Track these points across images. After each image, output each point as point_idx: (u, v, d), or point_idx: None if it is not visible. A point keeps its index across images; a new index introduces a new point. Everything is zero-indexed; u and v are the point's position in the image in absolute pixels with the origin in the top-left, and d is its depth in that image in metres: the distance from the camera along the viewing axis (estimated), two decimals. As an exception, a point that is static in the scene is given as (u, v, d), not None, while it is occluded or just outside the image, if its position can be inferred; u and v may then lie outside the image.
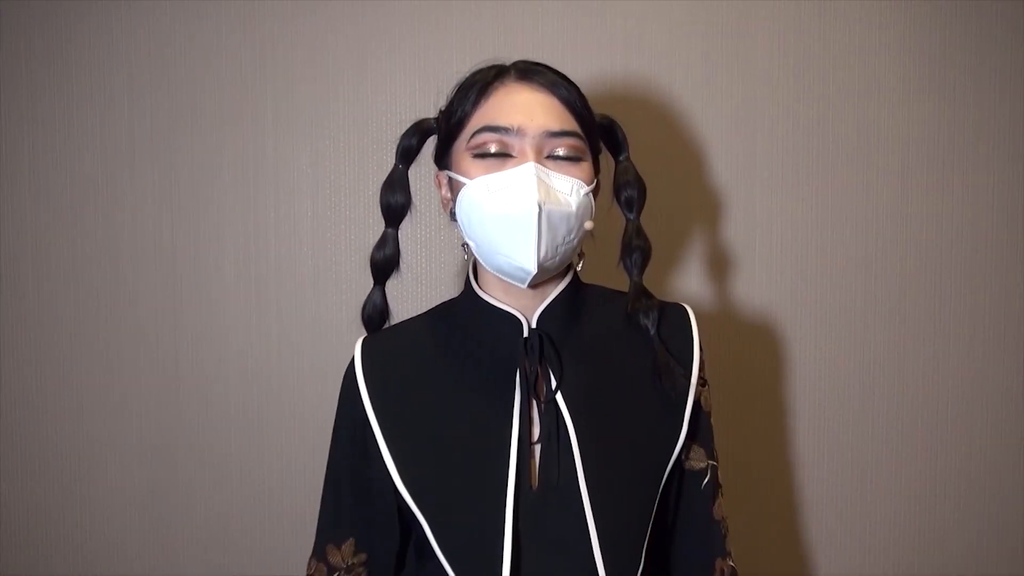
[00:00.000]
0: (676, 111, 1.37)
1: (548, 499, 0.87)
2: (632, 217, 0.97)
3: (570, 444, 0.88)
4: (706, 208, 1.38)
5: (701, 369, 0.96)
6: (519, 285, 0.89)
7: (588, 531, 0.85)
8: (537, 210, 0.82)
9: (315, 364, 1.37)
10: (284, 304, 1.38)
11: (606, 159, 0.98)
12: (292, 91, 1.36)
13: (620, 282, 1.01)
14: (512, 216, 0.84)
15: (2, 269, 1.37)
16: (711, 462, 0.97)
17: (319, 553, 0.96)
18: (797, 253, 1.39)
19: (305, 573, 0.98)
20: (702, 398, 0.97)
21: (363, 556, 0.95)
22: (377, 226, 1.35)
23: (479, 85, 0.90)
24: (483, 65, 0.93)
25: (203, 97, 1.36)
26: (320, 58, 1.36)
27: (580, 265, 0.96)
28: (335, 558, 0.95)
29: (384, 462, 0.90)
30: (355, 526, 0.95)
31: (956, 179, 1.40)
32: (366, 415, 0.92)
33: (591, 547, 0.85)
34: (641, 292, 0.96)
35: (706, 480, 0.96)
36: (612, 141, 0.99)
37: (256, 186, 1.37)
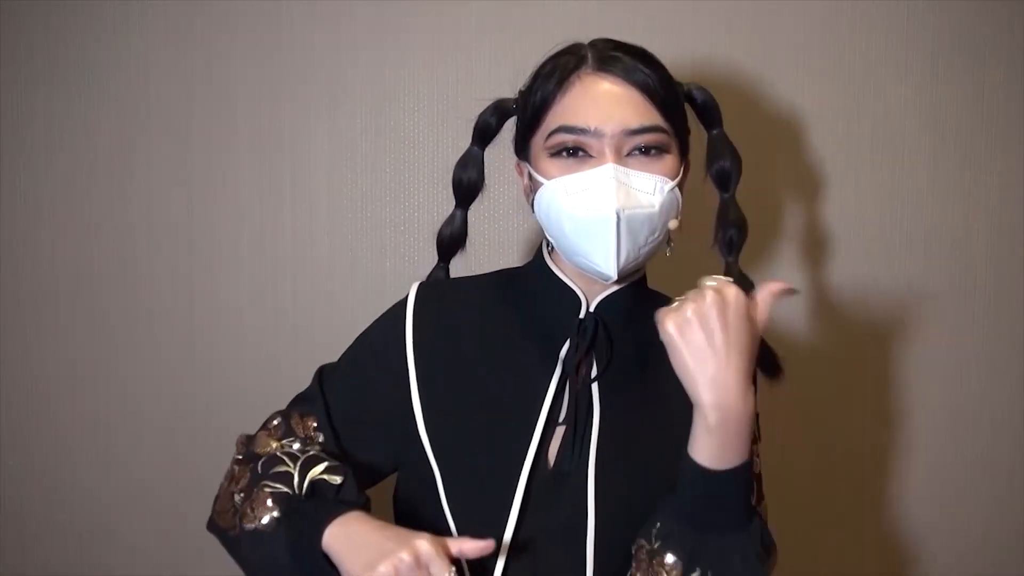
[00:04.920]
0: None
1: (558, 486, 0.86)
2: (726, 194, 0.93)
3: (591, 435, 0.86)
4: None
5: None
6: (602, 281, 0.88)
7: (587, 526, 0.83)
8: (615, 218, 0.79)
9: (330, 343, 1.35)
10: (300, 281, 1.37)
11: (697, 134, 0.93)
12: (310, 66, 1.35)
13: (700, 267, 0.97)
14: (590, 221, 0.81)
15: (17, 245, 1.37)
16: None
17: (284, 414, 0.95)
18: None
19: (262, 425, 0.96)
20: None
21: (320, 436, 0.92)
22: (393, 202, 1.36)
23: (557, 76, 0.85)
24: (561, 46, 0.89)
25: (220, 72, 1.35)
26: (338, 33, 1.35)
27: (669, 253, 0.90)
28: (296, 424, 0.93)
29: (412, 409, 0.88)
30: (326, 414, 0.92)
31: (984, 161, 1.37)
32: (405, 358, 0.90)
33: (586, 543, 0.83)
34: (739, 277, 0.91)
35: None
36: (704, 113, 0.94)
37: (272, 162, 1.36)
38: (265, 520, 0.81)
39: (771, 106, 1.36)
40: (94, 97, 1.35)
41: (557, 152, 0.84)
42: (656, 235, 0.85)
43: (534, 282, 0.93)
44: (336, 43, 1.35)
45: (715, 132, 0.94)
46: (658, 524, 0.79)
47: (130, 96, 1.35)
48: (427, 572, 0.70)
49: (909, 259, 1.38)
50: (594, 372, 0.88)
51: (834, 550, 1.40)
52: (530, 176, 0.90)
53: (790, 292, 0.79)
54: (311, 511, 0.80)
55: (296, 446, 0.89)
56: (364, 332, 0.97)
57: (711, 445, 0.75)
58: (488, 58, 1.34)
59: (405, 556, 0.70)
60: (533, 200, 0.89)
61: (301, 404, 0.95)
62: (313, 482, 0.83)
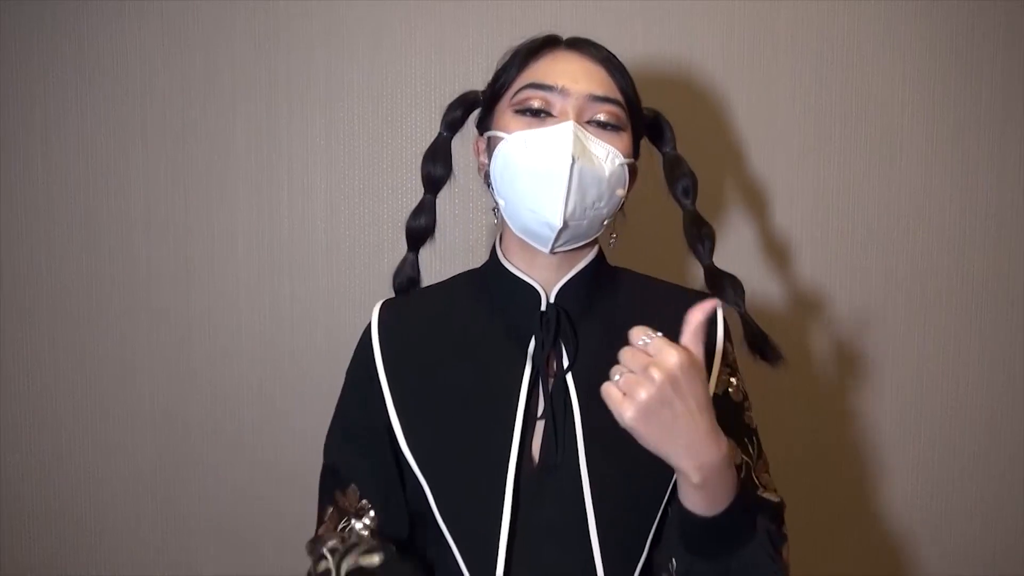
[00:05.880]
0: (697, 91, 1.35)
1: (546, 480, 0.86)
2: (689, 205, 0.97)
3: (575, 425, 0.86)
4: (721, 194, 1.37)
5: (725, 359, 0.93)
6: (542, 249, 0.88)
7: (586, 516, 0.84)
8: (570, 162, 0.82)
9: (328, 337, 1.37)
10: (297, 276, 1.38)
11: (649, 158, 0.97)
12: (306, 62, 1.35)
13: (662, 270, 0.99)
14: (545, 169, 0.83)
15: (16, 242, 1.37)
16: (745, 459, 0.89)
17: (328, 499, 0.94)
18: (820, 239, 1.38)
19: (318, 521, 0.94)
20: (730, 388, 0.93)
21: (366, 502, 0.91)
22: (391, 198, 1.36)
23: (527, 49, 0.90)
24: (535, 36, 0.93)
25: (217, 67, 1.35)
26: (335, 29, 1.35)
27: (612, 244, 0.95)
28: (343, 502, 0.92)
29: (391, 425, 0.89)
30: (356, 472, 0.92)
31: (982, 159, 1.38)
32: (377, 377, 0.91)
33: (588, 533, 0.83)
34: (719, 274, 0.95)
35: (741, 478, 0.86)
36: (658, 133, 0.99)
37: (269, 158, 1.37)
38: None
39: (768, 104, 1.36)
40: (91, 91, 1.35)
41: (522, 109, 0.87)
42: (603, 203, 0.87)
43: (492, 281, 0.94)
44: (333, 40, 1.35)
45: (669, 151, 0.99)
46: (673, 561, 0.80)
47: (127, 94, 1.35)
48: None
49: (906, 255, 1.39)
50: (566, 363, 0.88)
51: (830, 552, 1.40)
52: (488, 145, 0.92)
53: (709, 312, 0.76)
54: None
55: (353, 526, 0.89)
56: (347, 374, 0.98)
57: (702, 499, 0.76)
58: (485, 55, 1.34)
59: None
60: (488, 169, 0.91)
61: (333, 480, 0.94)
62: (349, 572, 0.83)
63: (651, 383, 0.70)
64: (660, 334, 0.73)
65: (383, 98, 1.36)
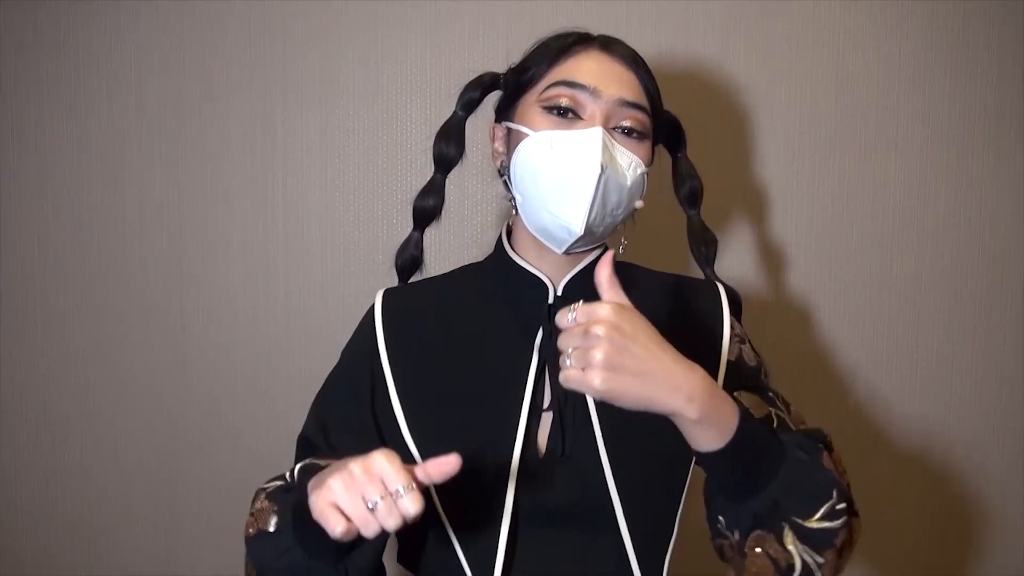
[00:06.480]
0: (691, 89, 1.36)
1: (554, 470, 0.85)
2: (695, 213, 1.00)
3: (588, 415, 0.86)
4: (719, 192, 1.37)
5: (732, 331, 0.93)
6: (554, 249, 0.88)
7: (612, 502, 0.83)
8: (599, 171, 0.82)
9: (323, 333, 1.37)
10: (292, 274, 1.37)
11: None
12: (302, 60, 1.35)
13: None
14: (572, 175, 0.83)
15: (9, 240, 1.37)
16: (773, 409, 0.87)
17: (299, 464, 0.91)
18: (813, 235, 1.38)
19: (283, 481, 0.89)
20: (743, 355, 0.93)
21: None
22: (386, 194, 1.37)
23: (559, 45, 0.89)
24: (565, 30, 0.92)
25: (212, 66, 1.35)
26: (331, 27, 1.35)
27: (621, 250, 0.94)
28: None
29: (394, 413, 0.88)
30: (333, 447, 0.90)
31: (977, 158, 1.38)
32: (380, 364, 0.90)
33: (615, 519, 0.83)
34: (720, 285, 0.96)
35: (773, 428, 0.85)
36: (673, 137, 1.00)
37: (265, 156, 1.36)
38: (272, 521, 0.80)
39: (765, 101, 1.36)
40: (86, 89, 1.35)
41: (550, 107, 0.86)
42: (621, 210, 0.87)
43: (499, 273, 0.94)
44: (329, 37, 1.35)
45: (681, 155, 1.01)
46: (721, 520, 0.78)
47: (123, 92, 1.35)
48: (381, 484, 0.66)
49: (902, 251, 1.39)
50: None
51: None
52: (507, 136, 0.91)
53: (609, 264, 0.75)
54: (298, 484, 0.78)
55: None
56: (341, 354, 0.97)
57: (710, 431, 0.73)
58: (481, 52, 1.34)
59: (356, 468, 0.67)
60: (504, 161, 0.90)
61: (307, 452, 0.92)
62: (305, 466, 0.83)
63: (598, 340, 0.69)
64: (581, 301, 0.72)
65: (378, 94, 1.36)
